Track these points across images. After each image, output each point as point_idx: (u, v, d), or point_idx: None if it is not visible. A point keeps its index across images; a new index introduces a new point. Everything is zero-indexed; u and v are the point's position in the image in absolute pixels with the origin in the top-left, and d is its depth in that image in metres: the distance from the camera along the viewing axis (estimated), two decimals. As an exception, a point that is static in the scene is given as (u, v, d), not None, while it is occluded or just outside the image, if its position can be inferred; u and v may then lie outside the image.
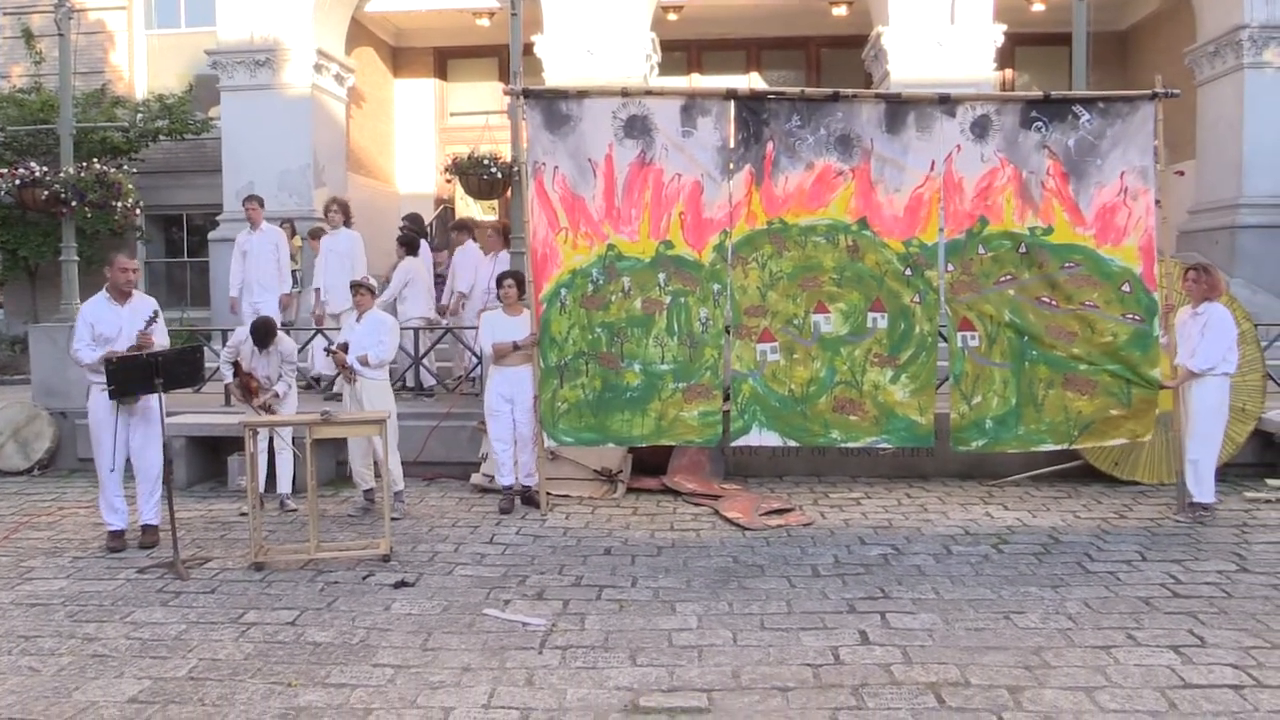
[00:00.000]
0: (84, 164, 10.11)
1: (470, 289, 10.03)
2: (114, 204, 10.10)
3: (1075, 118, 7.16)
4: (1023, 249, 7.15)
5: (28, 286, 14.90)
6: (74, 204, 9.79)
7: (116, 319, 6.75)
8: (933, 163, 7.16)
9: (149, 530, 6.88)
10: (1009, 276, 7.17)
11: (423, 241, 10.78)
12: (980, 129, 7.15)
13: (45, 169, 9.85)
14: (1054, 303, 7.13)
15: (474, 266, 10.06)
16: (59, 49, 10.27)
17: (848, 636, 4.94)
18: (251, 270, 10.28)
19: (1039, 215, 7.15)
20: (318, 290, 10.10)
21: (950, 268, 7.23)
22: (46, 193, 9.68)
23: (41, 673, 4.65)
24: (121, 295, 6.82)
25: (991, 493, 8.05)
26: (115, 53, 15.50)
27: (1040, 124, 7.14)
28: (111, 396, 6.33)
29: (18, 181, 9.70)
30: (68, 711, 4.23)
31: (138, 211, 10.60)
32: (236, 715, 4.16)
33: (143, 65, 15.68)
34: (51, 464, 9.46)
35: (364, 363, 7.32)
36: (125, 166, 11.81)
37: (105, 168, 10.18)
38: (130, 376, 6.27)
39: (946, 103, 7.16)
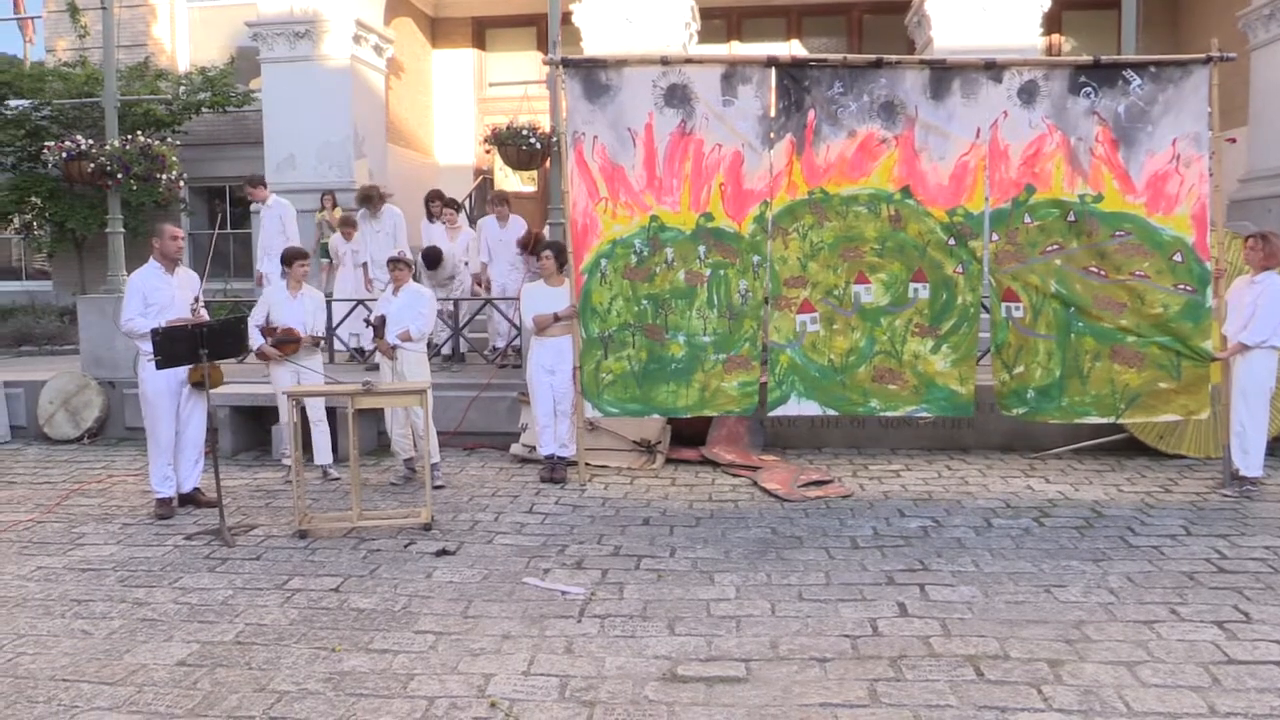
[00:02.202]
0: (129, 137, 10.21)
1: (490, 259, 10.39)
2: (158, 176, 10.20)
3: (1126, 83, 6.99)
4: (1071, 217, 7.03)
5: (75, 258, 15.15)
6: (119, 176, 9.90)
7: (168, 288, 6.89)
8: (978, 130, 7.04)
9: (191, 496, 7.02)
10: (1056, 246, 7.05)
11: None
12: (1028, 95, 7.02)
13: (91, 142, 9.97)
14: (1102, 273, 7.01)
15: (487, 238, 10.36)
16: (103, 23, 10.37)
17: (886, 608, 4.92)
18: (261, 241, 10.81)
19: (1088, 183, 7.02)
20: (365, 265, 10.39)
21: (995, 237, 7.12)
22: (92, 165, 9.80)
23: (93, 636, 4.76)
24: (171, 264, 6.94)
25: (1033, 465, 7.97)
26: (158, 26, 15.61)
27: (1090, 90, 6.99)
28: (159, 366, 6.42)
29: (64, 155, 9.83)
30: (119, 674, 4.33)
31: (181, 184, 10.72)
32: (282, 679, 4.24)
33: (185, 38, 15.79)
34: (100, 433, 9.65)
35: (405, 339, 7.37)
36: (169, 139, 11.89)
37: (149, 140, 10.28)
38: (176, 347, 6.37)
39: (993, 68, 7.03)
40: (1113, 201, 7.02)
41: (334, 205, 11.75)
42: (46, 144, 10.42)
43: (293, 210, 10.69)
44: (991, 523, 6.40)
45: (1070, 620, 4.72)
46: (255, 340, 7.55)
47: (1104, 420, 7.31)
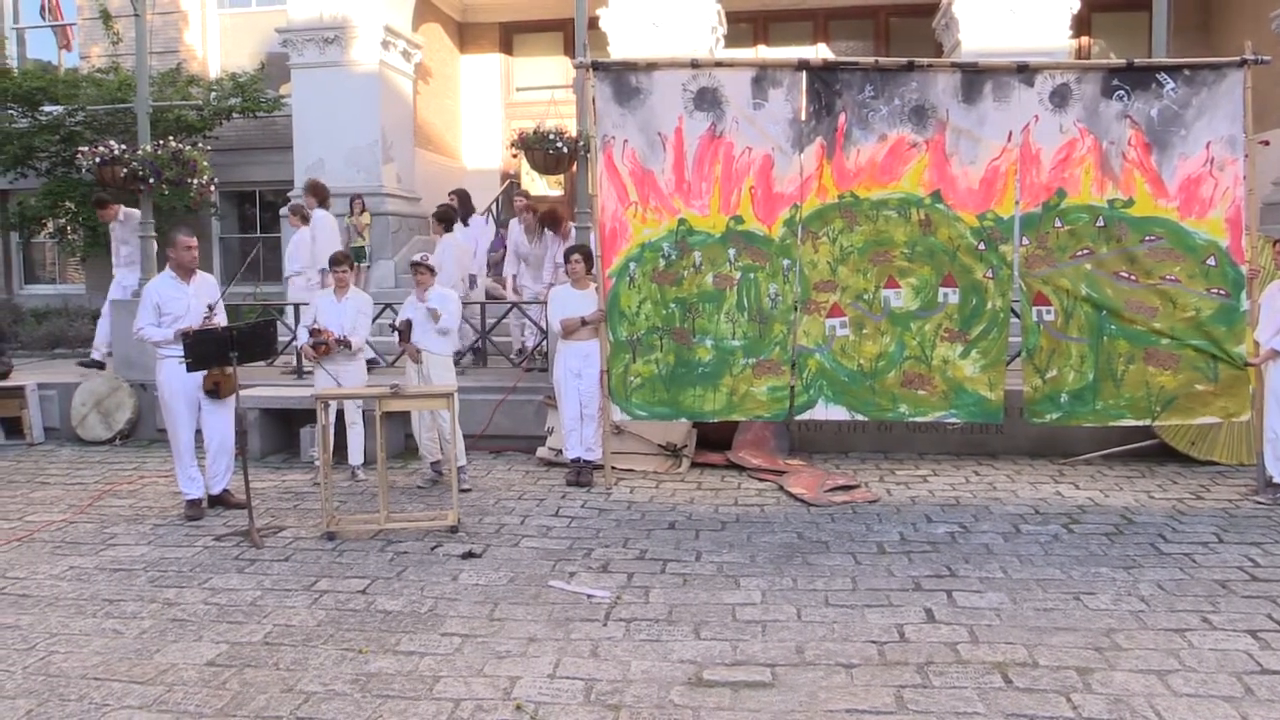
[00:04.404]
0: (160, 142, 10.31)
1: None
2: (189, 181, 10.29)
3: (1159, 86, 6.93)
4: (1100, 222, 6.97)
5: (107, 262, 15.29)
6: (151, 181, 9.99)
7: (184, 297, 6.89)
8: (1010, 133, 6.99)
9: (221, 497, 7.08)
10: (1086, 250, 6.99)
11: (474, 217, 11.19)
12: (1060, 98, 6.96)
13: (124, 147, 10.07)
14: (1133, 277, 6.94)
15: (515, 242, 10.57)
16: (135, 29, 10.48)
17: (913, 614, 4.89)
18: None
19: (1119, 187, 6.96)
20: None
21: (1025, 241, 7.07)
22: (125, 170, 9.90)
23: (124, 635, 4.81)
24: (186, 273, 6.96)
25: (1062, 471, 7.90)
26: (189, 32, 15.77)
27: (1122, 93, 6.93)
28: (189, 369, 6.48)
29: (98, 160, 9.94)
30: (149, 673, 4.37)
31: (212, 188, 10.80)
32: (310, 680, 4.26)
33: (216, 44, 15.94)
34: (132, 434, 9.76)
35: (436, 316, 7.42)
36: (200, 144, 12.03)
37: (181, 145, 10.37)
38: (207, 350, 6.42)
39: (1025, 71, 6.98)
40: (1144, 206, 6.96)
41: (362, 209, 11.82)
42: (80, 149, 10.55)
43: (329, 221, 10.74)
44: (1020, 529, 6.35)
45: (1100, 628, 4.67)
46: (302, 339, 7.75)
47: (1139, 423, 7.23)
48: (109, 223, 10.73)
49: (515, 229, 10.59)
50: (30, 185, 14.78)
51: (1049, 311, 7.07)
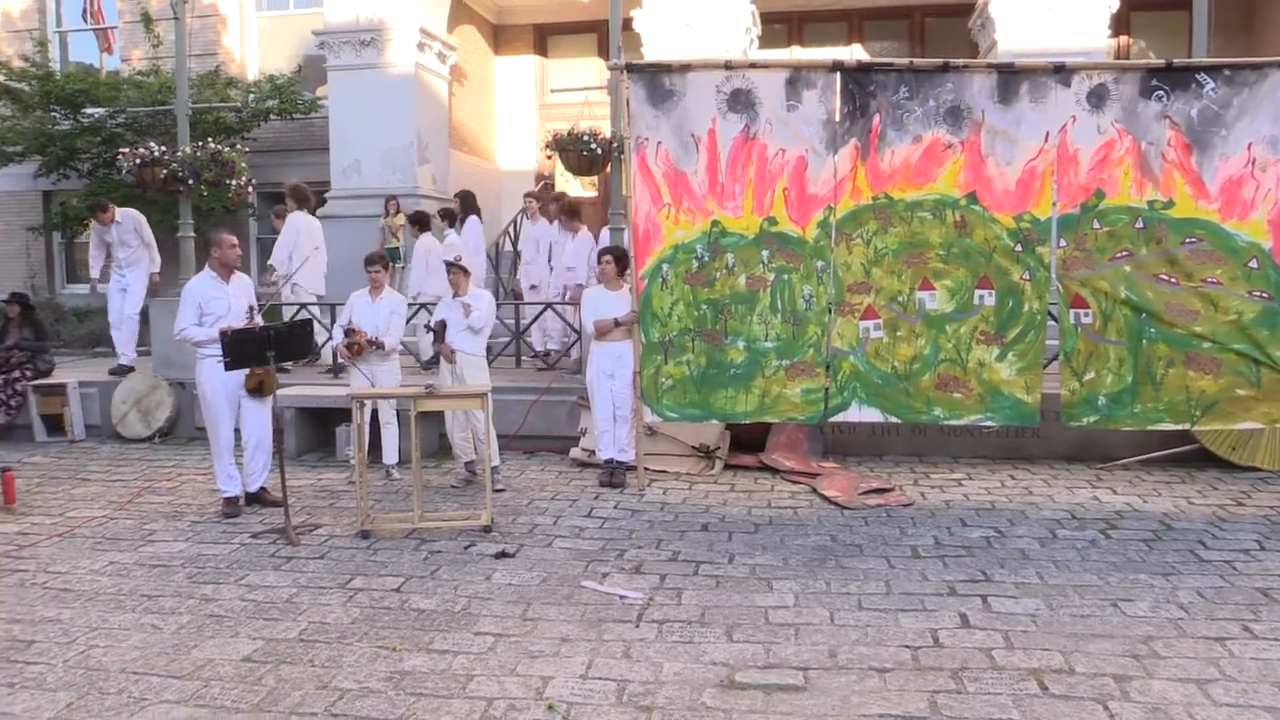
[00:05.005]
0: (199, 143, 10.44)
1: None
2: (228, 182, 10.42)
3: (1199, 86, 6.82)
4: (1140, 224, 6.88)
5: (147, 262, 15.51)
6: (191, 182, 10.13)
7: (225, 297, 6.97)
8: (1046, 134, 6.92)
9: (257, 495, 7.16)
10: (1125, 252, 6.91)
11: (471, 217, 11.30)
12: (1097, 99, 6.88)
13: (164, 149, 10.21)
14: (1174, 280, 6.85)
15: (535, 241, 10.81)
16: (175, 32, 10.63)
17: (948, 619, 4.86)
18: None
19: (1159, 188, 6.86)
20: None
21: (1063, 243, 6.99)
22: (165, 172, 10.03)
23: (163, 630, 4.88)
24: (227, 272, 7.05)
25: (1100, 476, 7.81)
26: (228, 35, 15.95)
27: (1161, 93, 6.83)
28: (228, 368, 6.55)
29: (138, 161, 10.08)
30: (187, 668, 4.43)
31: (250, 189, 10.93)
32: (344, 677, 4.30)
33: (254, 47, 16.11)
34: (171, 432, 9.89)
35: (468, 311, 7.45)
36: (238, 145, 12.16)
37: (219, 147, 10.50)
38: (245, 349, 6.50)
39: (1062, 72, 6.90)
40: (1184, 207, 6.86)
41: (397, 210, 11.91)
42: (121, 150, 10.70)
43: (306, 225, 10.75)
44: (1056, 534, 6.28)
45: (1138, 635, 4.62)
46: (337, 339, 7.82)
47: (1178, 428, 7.13)
48: (107, 225, 10.57)
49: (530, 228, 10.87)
50: (72, 186, 15.03)
51: (1087, 314, 6.98)
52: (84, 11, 16.66)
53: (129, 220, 10.60)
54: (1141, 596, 5.13)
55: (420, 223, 10.77)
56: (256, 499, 7.22)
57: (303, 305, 10.38)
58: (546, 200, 11.23)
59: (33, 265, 16.56)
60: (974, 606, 5.02)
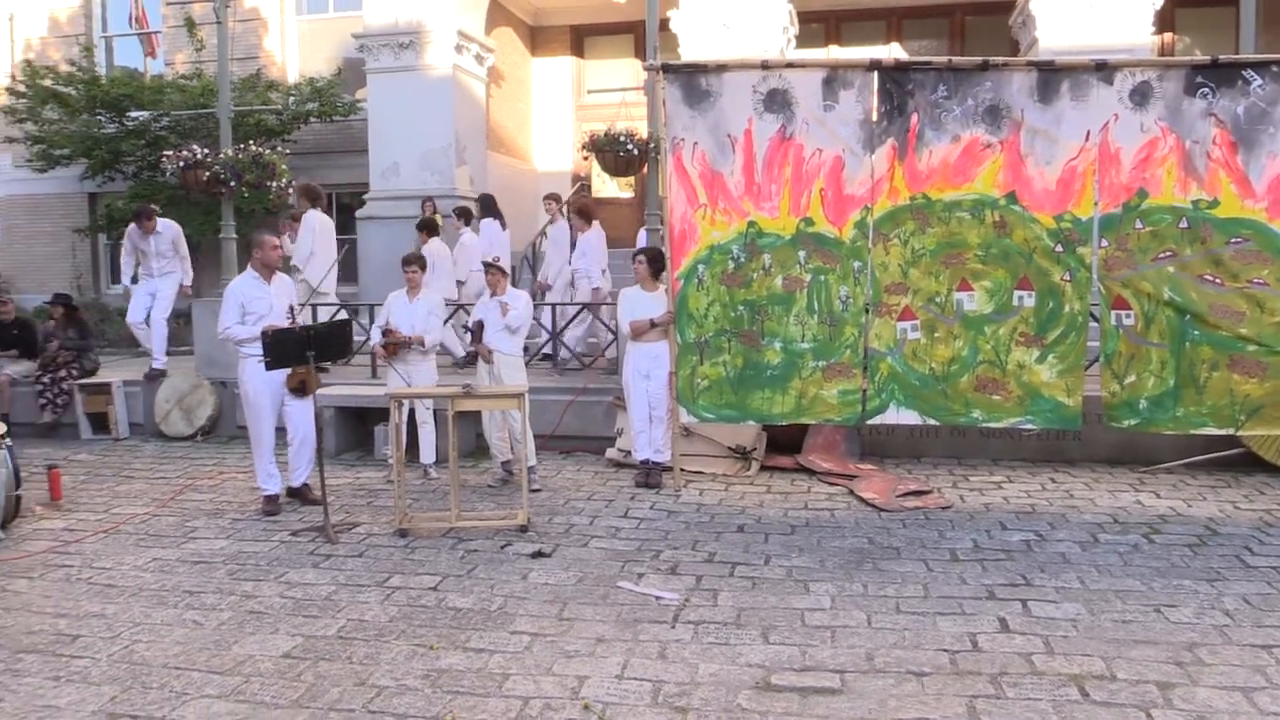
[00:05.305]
0: (241, 146, 10.57)
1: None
2: (269, 184, 10.54)
3: (1246, 83, 6.70)
4: (1183, 223, 6.77)
5: (190, 263, 15.73)
6: (232, 184, 10.26)
7: (266, 296, 7.07)
8: (1087, 133, 6.83)
9: (300, 491, 7.22)
10: (1169, 253, 6.80)
11: (489, 219, 11.37)
12: (1140, 96, 6.78)
13: (206, 151, 10.35)
14: (1219, 280, 6.73)
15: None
16: (217, 36, 10.77)
17: (987, 623, 4.81)
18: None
19: (1204, 187, 6.74)
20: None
21: (1104, 243, 6.90)
22: (207, 174, 10.17)
23: (204, 626, 4.95)
24: (269, 272, 7.14)
25: (1143, 479, 7.70)
26: (269, 38, 16.14)
27: (1207, 90, 6.72)
28: (268, 368, 6.63)
29: (182, 164, 10.22)
30: (227, 664, 4.48)
31: (290, 191, 11.04)
32: (382, 674, 4.34)
33: (294, 50, 16.28)
34: (213, 430, 10.02)
35: (505, 310, 7.49)
36: (279, 148, 12.29)
37: (260, 149, 10.62)
38: (285, 349, 6.56)
39: (1103, 69, 6.81)
40: (1230, 207, 6.74)
41: (434, 211, 11.99)
42: (165, 153, 10.86)
43: (321, 224, 10.79)
44: (1098, 538, 6.20)
45: (1182, 642, 4.55)
46: (374, 339, 7.88)
47: (1222, 432, 7.01)
48: (148, 235, 10.39)
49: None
50: (118, 188, 15.29)
51: (1129, 316, 6.88)
52: (131, 17, 16.92)
53: (169, 231, 10.58)
54: (1185, 602, 5.05)
55: (428, 228, 10.83)
56: (298, 495, 7.30)
57: (342, 306, 10.48)
58: (585, 203, 11.22)
59: (78, 266, 16.85)
60: (1014, 611, 4.96)
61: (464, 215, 11.21)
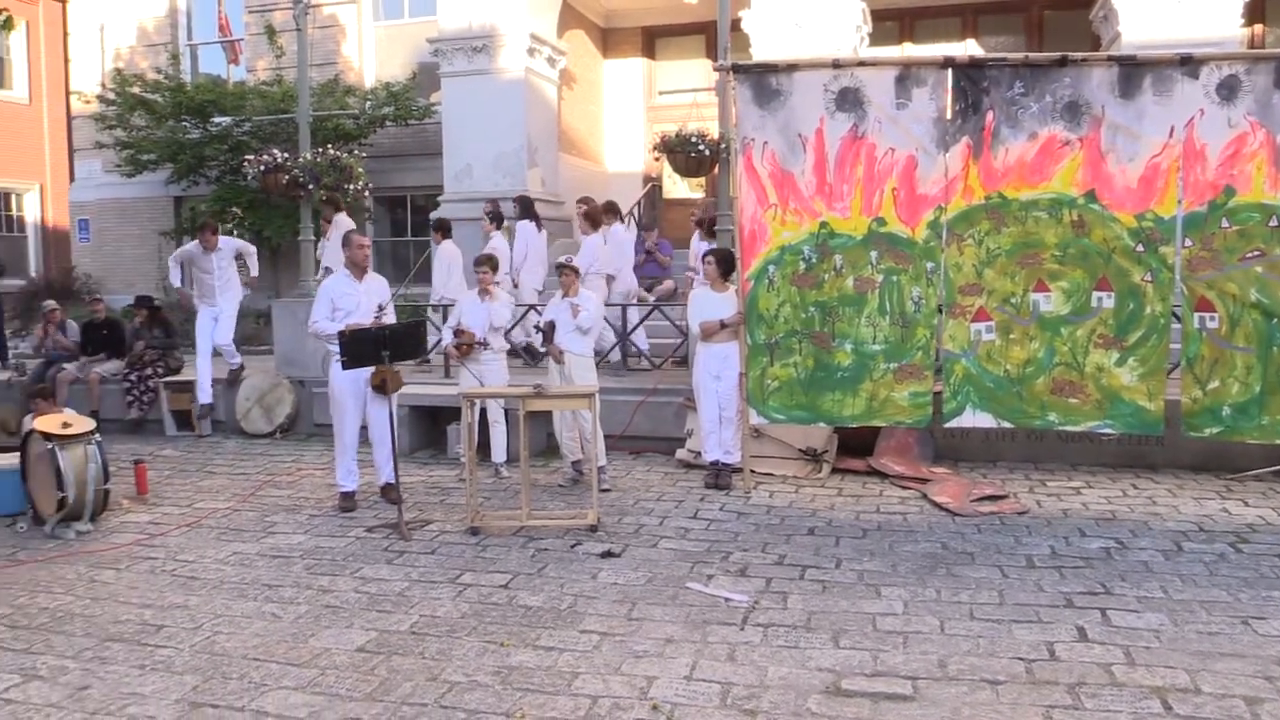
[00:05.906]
0: (319, 149, 10.80)
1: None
2: (346, 187, 10.76)
3: (1340, 76, 6.46)
4: (1274, 222, 6.53)
5: (270, 265, 16.11)
6: (311, 187, 10.49)
7: (355, 294, 7.23)
8: (1171, 129, 6.64)
9: (389, 488, 7.32)
10: (1257, 253, 6.57)
11: (524, 222, 11.27)
12: (1228, 91, 6.56)
13: (286, 155, 10.59)
14: (1311, 282, 6.49)
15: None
16: (297, 43, 11.02)
17: (1064, 632, 4.70)
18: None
19: (1295, 185, 6.51)
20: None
21: (1188, 243, 6.69)
22: (287, 177, 10.40)
23: (282, 619, 5.06)
24: (360, 271, 7.30)
25: (1230, 487, 7.45)
26: (346, 44, 16.45)
27: (1299, 84, 6.49)
28: (345, 367, 6.76)
29: (262, 167, 10.47)
30: (304, 656, 4.58)
31: (367, 193, 11.25)
32: (453, 670, 4.39)
33: (371, 55, 16.57)
34: (291, 428, 10.24)
35: (575, 311, 7.54)
36: (356, 151, 12.52)
37: (338, 153, 10.84)
38: (362, 349, 6.69)
39: (1188, 63, 6.61)
40: (1324, 204, 6.49)
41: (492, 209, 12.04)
42: (246, 157, 11.15)
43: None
44: (1182, 546, 6.02)
45: (1271, 655, 4.39)
46: (446, 339, 8.01)
47: (1311, 442, 6.76)
48: (209, 251, 10.17)
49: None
50: (201, 192, 15.74)
51: (1213, 318, 6.66)
52: (219, 25, 17.40)
53: (229, 248, 10.41)
54: (1275, 615, 4.87)
55: (442, 229, 10.94)
56: (383, 492, 7.36)
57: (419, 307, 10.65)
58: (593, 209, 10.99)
59: (164, 268, 17.35)
60: (1092, 620, 4.84)
61: (496, 219, 10.99)
